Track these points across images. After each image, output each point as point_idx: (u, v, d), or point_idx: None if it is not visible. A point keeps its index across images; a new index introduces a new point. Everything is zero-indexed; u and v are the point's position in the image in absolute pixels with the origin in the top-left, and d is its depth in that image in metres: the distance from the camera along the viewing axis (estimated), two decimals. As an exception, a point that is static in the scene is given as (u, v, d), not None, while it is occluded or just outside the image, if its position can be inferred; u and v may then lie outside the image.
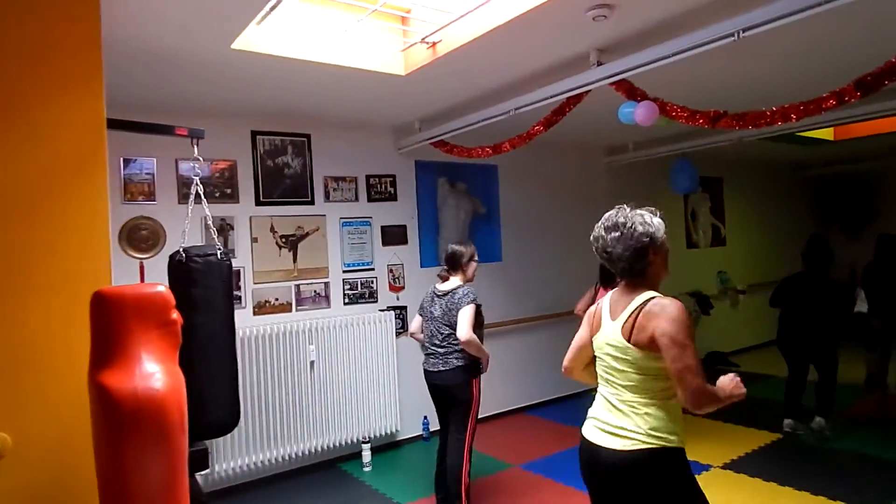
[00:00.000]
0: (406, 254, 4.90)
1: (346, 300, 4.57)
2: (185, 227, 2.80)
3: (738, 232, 8.01)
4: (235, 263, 4.07)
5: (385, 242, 4.78)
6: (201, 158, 2.78)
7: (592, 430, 1.91)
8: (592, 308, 2.11)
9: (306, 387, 4.20)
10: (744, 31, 2.48)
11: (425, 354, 3.48)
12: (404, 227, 4.90)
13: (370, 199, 4.73)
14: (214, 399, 2.74)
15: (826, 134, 6.71)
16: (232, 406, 2.83)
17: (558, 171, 5.99)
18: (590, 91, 3.20)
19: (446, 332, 3.34)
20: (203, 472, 3.76)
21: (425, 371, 3.46)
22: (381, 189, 4.78)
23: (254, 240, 4.17)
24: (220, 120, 4.05)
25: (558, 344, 5.80)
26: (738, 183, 8.00)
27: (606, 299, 2.00)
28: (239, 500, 3.91)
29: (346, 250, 4.58)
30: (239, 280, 4.09)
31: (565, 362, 2.18)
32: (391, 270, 4.81)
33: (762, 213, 8.44)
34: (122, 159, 3.73)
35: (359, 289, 4.63)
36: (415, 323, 3.64)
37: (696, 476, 1.87)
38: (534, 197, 5.79)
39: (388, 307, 4.74)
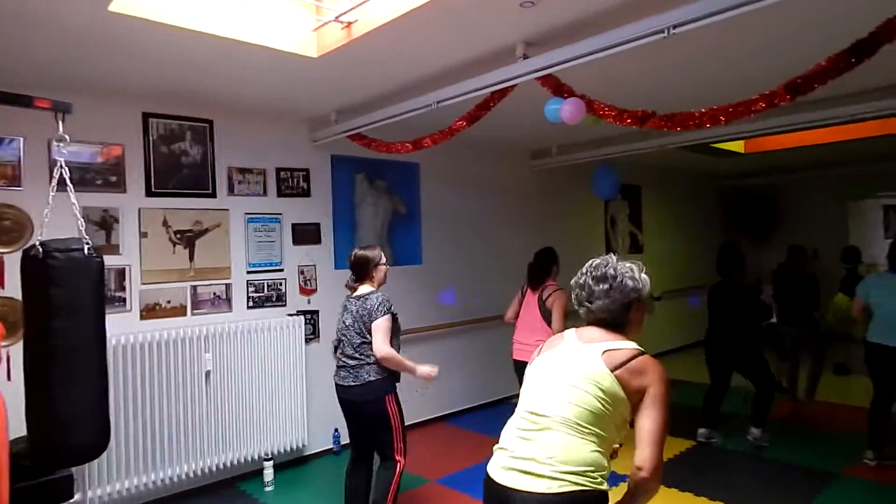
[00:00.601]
0: (319, 254, 4.56)
1: (251, 303, 4.17)
2: (46, 217, 2.36)
3: (654, 239, 8.18)
4: (120, 261, 3.61)
5: (296, 241, 4.42)
6: (67, 137, 2.39)
7: (503, 473, 1.65)
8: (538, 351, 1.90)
9: (200, 399, 3.77)
10: (674, 27, 2.36)
11: (336, 367, 3.18)
12: (317, 225, 4.56)
13: (280, 194, 4.36)
14: (77, 419, 2.33)
15: (738, 146, 6.96)
16: (100, 427, 2.44)
17: (483, 172, 5.83)
18: (515, 86, 3.02)
19: (357, 341, 3.06)
20: (71, 501, 3.28)
21: (336, 385, 3.16)
22: (292, 184, 4.42)
23: (143, 234, 3.70)
24: (107, 98, 3.57)
25: (480, 350, 5.68)
26: (656, 191, 8.18)
27: (571, 334, 1.80)
28: (117, 530, 3.45)
29: (252, 249, 4.18)
30: (123, 280, 3.62)
31: None
32: (302, 272, 4.46)
33: (678, 222, 8.68)
34: (-21, 137, 3.20)
35: (265, 291, 4.25)
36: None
37: (613, 488, 1.69)
38: (457, 198, 5.60)
39: (297, 311, 4.39)
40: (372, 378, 3.02)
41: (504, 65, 2.98)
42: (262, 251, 4.23)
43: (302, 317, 4.29)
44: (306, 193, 4.50)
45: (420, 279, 5.23)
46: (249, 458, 3.98)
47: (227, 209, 4.07)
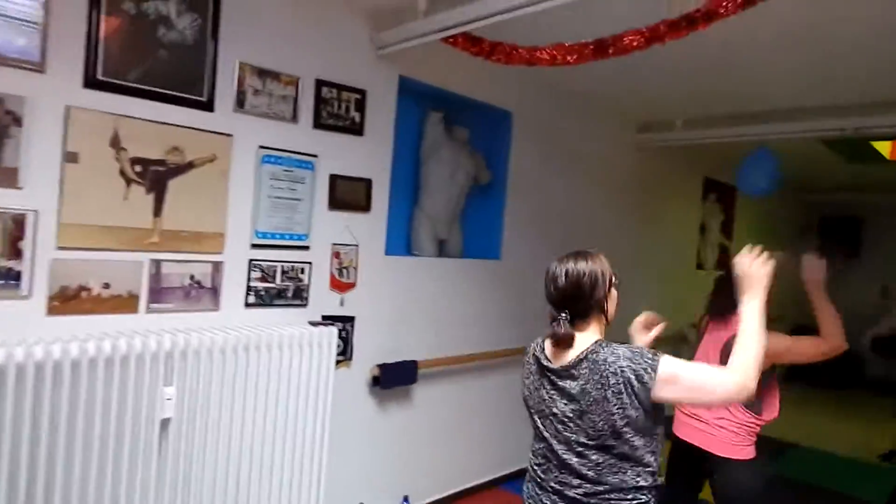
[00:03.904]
0: (366, 228, 2.88)
1: (252, 299, 2.48)
2: None
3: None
4: (18, 200, 1.89)
5: (334, 204, 2.73)
6: None
7: None
8: None
9: (147, 467, 2.07)
10: None
11: (534, 490, 1.62)
12: (368, 182, 2.87)
13: (319, 124, 2.65)
14: None
15: (884, 150, 5.42)
16: None
17: (584, 138, 4.18)
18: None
19: (579, 458, 1.49)
20: None
21: None
22: (339, 109, 2.72)
23: (69, 156, 1.98)
24: None
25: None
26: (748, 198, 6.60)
27: None
28: None
29: (264, 208, 2.48)
30: (20, 236, 1.90)
31: None
32: (338, 255, 2.77)
33: (765, 236, 7.15)
34: None
35: (277, 280, 2.56)
36: None
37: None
38: (551, 169, 3.94)
39: (324, 318, 2.71)
40: None
41: None
42: (279, 213, 2.53)
43: (334, 328, 2.61)
44: (357, 129, 2.80)
45: (497, 282, 3.58)
46: (223, 566, 2.30)
47: (229, 134, 2.36)
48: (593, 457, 1.45)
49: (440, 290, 3.26)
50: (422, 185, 3.18)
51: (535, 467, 1.60)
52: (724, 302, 2.30)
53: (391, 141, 2.94)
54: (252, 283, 2.47)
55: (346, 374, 2.82)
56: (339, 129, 2.72)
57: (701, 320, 2.56)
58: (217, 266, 2.36)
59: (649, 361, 1.41)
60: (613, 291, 1.59)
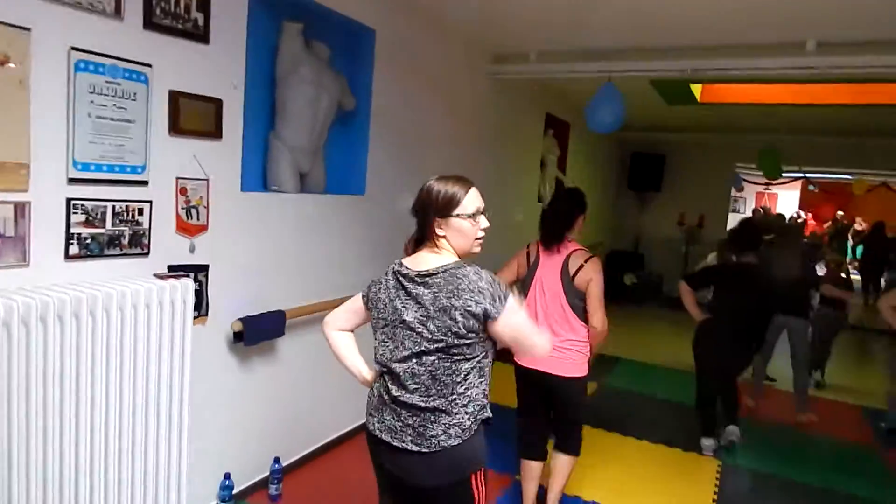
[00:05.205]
0: (218, 160, 2.39)
1: (75, 249, 1.93)
2: None
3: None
4: None
5: (177, 129, 2.20)
6: None
7: None
8: None
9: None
10: None
11: (376, 405, 1.63)
12: (219, 103, 2.36)
13: (150, 24, 2.07)
14: None
15: (696, 93, 6.00)
16: None
17: (442, 66, 3.97)
18: None
19: (431, 361, 1.51)
20: None
21: (373, 438, 1.63)
22: (175, 8, 2.16)
23: None
24: None
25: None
26: (580, 133, 6.97)
27: None
28: None
29: (83, 131, 1.90)
30: None
31: None
32: (184, 191, 2.28)
33: (589, 171, 7.69)
34: None
35: (107, 225, 2.02)
36: (340, 314, 1.76)
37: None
38: (414, 98, 3.68)
39: (171, 268, 2.24)
40: (455, 442, 1.52)
41: None
42: (105, 139, 1.97)
43: (189, 280, 2.15)
44: (201, 35, 2.26)
45: (363, 220, 3.30)
46: (63, 580, 1.86)
47: (26, 28, 1.73)
48: (429, 361, 1.49)
49: (304, 229, 2.90)
50: (279, 109, 2.73)
51: (389, 382, 1.59)
52: (550, 233, 2.54)
53: (244, 53, 2.44)
54: (74, 230, 1.92)
55: (202, 333, 2.40)
56: (179, 33, 2.17)
57: (529, 247, 2.64)
58: (21, 208, 1.78)
59: (502, 294, 1.48)
60: (455, 221, 1.55)
